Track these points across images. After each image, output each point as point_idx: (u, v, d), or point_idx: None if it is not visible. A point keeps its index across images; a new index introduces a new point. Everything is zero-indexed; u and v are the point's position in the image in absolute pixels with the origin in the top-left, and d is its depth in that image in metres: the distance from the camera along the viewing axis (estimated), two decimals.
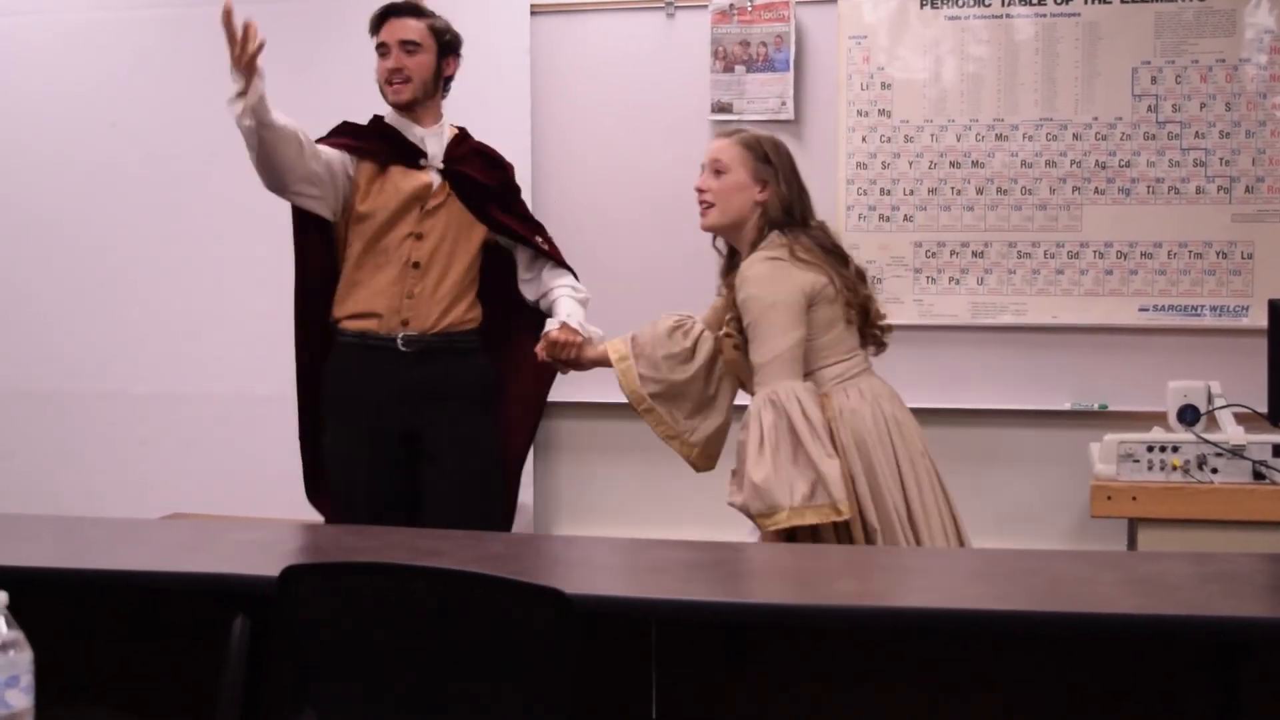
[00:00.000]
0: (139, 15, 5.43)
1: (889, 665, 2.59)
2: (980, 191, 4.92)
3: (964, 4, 4.91)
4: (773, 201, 3.48)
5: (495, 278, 4.06)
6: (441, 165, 3.94)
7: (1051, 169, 4.88)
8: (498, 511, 4.03)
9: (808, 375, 3.37)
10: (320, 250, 3.99)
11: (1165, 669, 2.50)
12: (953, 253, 4.95)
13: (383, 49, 3.94)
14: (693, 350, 3.65)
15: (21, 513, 3.82)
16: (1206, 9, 4.77)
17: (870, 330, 3.52)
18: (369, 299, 3.89)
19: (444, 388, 3.89)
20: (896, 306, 4.95)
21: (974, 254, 4.93)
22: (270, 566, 2.37)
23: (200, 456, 5.35)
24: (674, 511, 5.16)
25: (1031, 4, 4.86)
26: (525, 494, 5.17)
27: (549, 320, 3.84)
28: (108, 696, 2.80)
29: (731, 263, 3.60)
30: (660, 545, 3.12)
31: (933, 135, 4.95)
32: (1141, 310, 4.85)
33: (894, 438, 3.39)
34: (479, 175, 3.97)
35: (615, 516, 5.24)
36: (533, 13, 5.16)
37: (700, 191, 3.53)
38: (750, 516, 3.29)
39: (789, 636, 2.60)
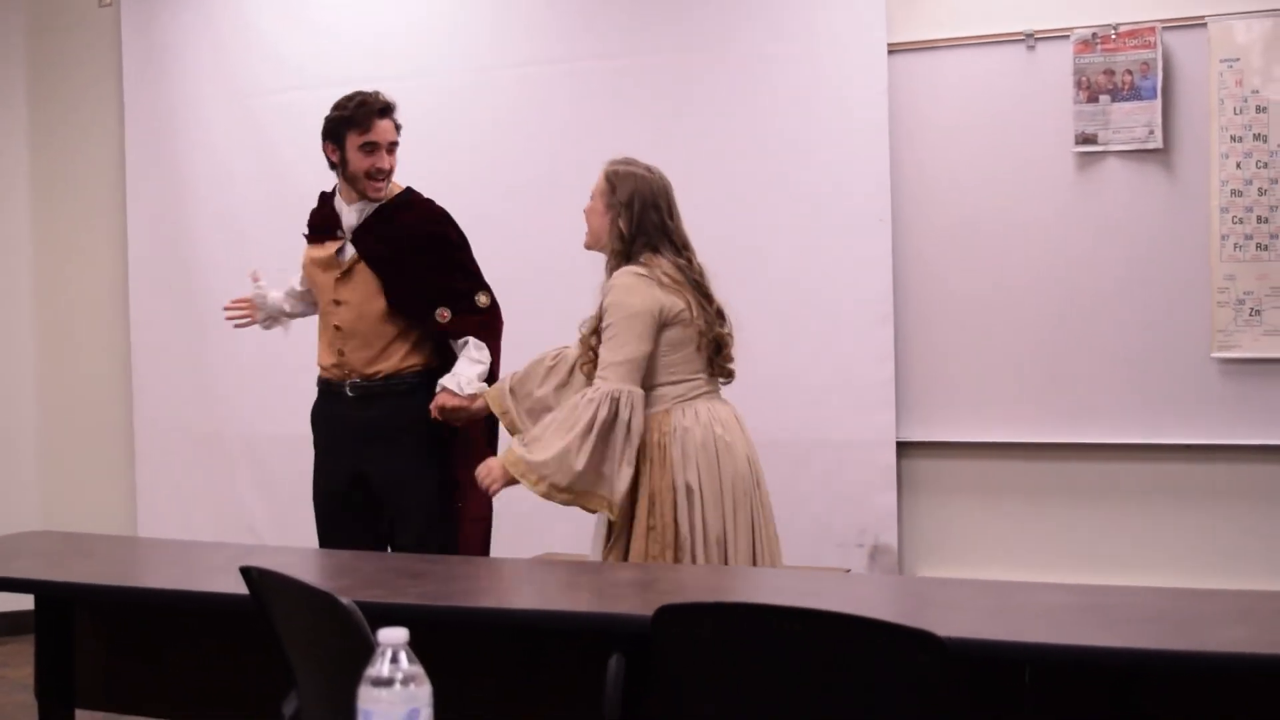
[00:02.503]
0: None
1: None
2: None
3: None
4: (620, 229, 3.77)
5: None
6: (349, 236, 4.22)
7: None
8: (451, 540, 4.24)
9: (652, 389, 3.70)
10: None
11: None
12: None
13: (371, 147, 4.16)
14: (569, 375, 3.94)
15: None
16: None
17: (721, 363, 3.81)
18: (320, 355, 4.31)
19: (384, 429, 4.18)
20: (1277, 340, 4.72)
21: None
22: (644, 606, 2.43)
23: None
24: (1038, 552, 5.06)
25: None
26: (889, 535, 5.15)
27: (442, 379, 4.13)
28: None
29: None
30: (1029, 588, 3.06)
31: None
32: None
33: (720, 459, 3.69)
34: (376, 243, 4.18)
35: (979, 558, 5.16)
36: (890, 51, 5.16)
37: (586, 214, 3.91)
38: (530, 478, 3.59)
39: (1175, 684, 2.51)
